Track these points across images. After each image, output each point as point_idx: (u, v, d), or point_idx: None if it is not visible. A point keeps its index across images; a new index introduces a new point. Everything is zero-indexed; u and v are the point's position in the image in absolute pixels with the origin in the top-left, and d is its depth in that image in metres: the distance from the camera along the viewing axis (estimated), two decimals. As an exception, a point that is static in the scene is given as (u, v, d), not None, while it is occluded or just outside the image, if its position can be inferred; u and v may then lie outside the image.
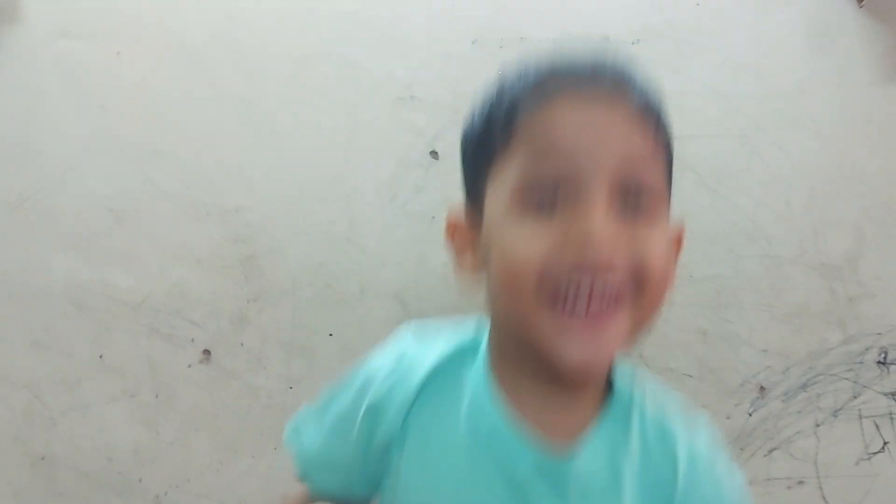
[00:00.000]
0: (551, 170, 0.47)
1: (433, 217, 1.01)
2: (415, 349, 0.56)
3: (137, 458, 1.00)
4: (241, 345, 1.00)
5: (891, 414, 1.04)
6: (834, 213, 1.03)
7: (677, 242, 0.55)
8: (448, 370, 0.55)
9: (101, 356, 1.00)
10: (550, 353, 0.47)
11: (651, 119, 0.50)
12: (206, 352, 1.00)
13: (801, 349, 1.03)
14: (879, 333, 1.03)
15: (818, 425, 1.03)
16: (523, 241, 0.47)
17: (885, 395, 1.04)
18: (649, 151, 0.49)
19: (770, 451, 1.03)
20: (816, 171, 1.03)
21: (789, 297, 1.03)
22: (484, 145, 0.52)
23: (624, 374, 0.57)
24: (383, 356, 0.57)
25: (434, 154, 1.01)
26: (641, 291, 0.48)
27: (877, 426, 1.04)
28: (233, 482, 1.01)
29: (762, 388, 1.03)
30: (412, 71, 1.01)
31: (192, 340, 1.00)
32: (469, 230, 0.54)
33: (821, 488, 1.04)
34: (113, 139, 0.99)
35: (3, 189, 0.99)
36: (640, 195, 0.48)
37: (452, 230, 0.57)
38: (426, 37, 1.01)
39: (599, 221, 0.45)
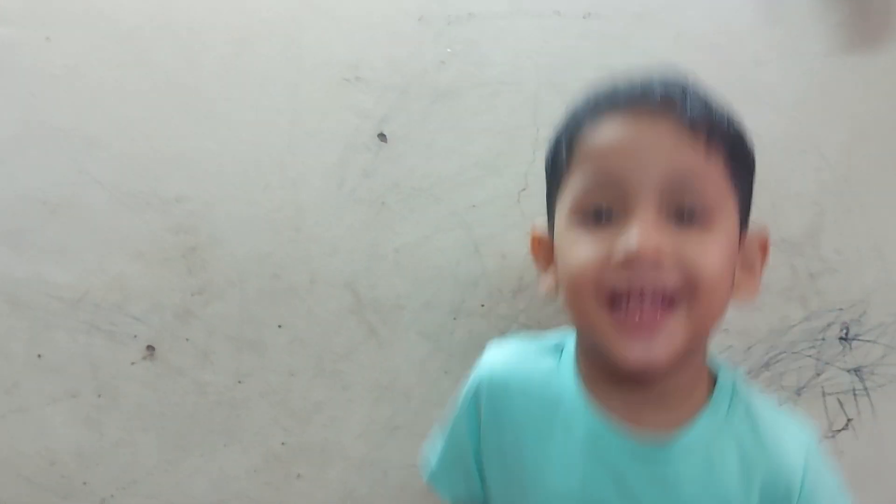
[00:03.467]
0: (602, 187, 0.52)
1: (383, 202, 0.98)
2: (495, 352, 0.63)
3: (81, 460, 0.96)
4: (187, 340, 0.97)
5: (854, 390, 1.03)
6: (792, 187, 1.01)
7: (762, 249, 0.59)
8: (529, 365, 0.59)
9: (39, 355, 0.96)
10: (610, 353, 0.52)
11: (703, 130, 0.52)
12: (150, 348, 0.96)
13: (762, 327, 1.02)
14: (841, 309, 1.02)
15: (781, 404, 1.02)
16: (581, 251, 0.53)
17: (848, 371, 1.03)
18: (700, 163, 0.51)
19: (733, 432, 1.02)
20: (773, 144, 1.01)
21: (749, 275, 1.01)
22: (554, 166, 0.58)
23: (727, 374, 0.60)
24: (482, 365, 0.64)
25: (382, 137, 0.98)
26: (695, 296, 0.51)
27: (840, 403, 1.03)
28: (182, 482, 0.97)
29: (724, 368, 1.02)
30: (357, 50, 0.97)
31: (135, 336, 0.96)
32: (549, 247, 0.61)
33: (785, 467, 1.03)
34: (44, 128, 0.95)
35: (-71, 183, 0.95)
36: (693, 207, 0.51)
37: (537, 246, 0.64)
38: (370, 14, 0.97)
39: (643, 227, 0.49)
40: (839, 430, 1.02)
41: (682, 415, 0.57)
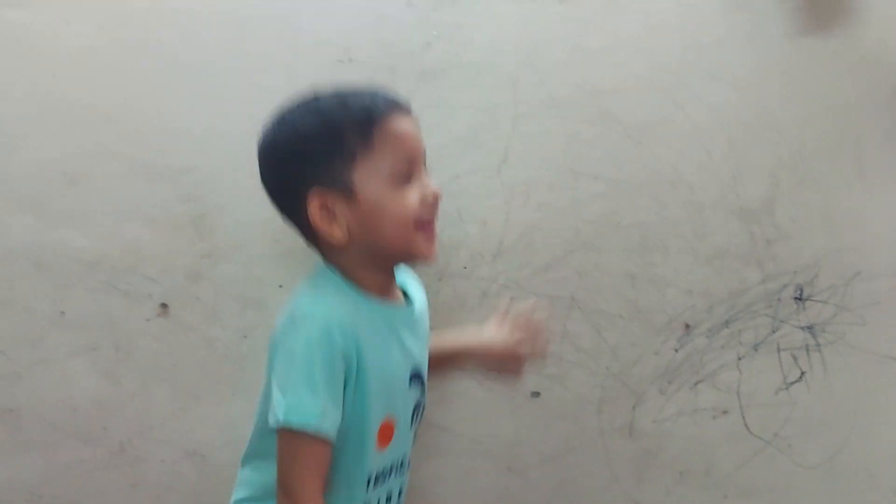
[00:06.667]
0: (406, 162, 0.80)
1: (375, 173, 1.06)
2: (326, 309, 0.79)
3: (101, 408, 1.06)
4: (197, 298, 1.06)
5: (807, 346, 1.12)
6: (751, 160, 1.10)
7: None
8: (339, 303, 0.81)
9: (62, 312, 1.05)
10: (420, 256, 0.83)
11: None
12: (164, 306, 1.06)
13: (722, 289, 1.11)
14: (795, 272, 1.11)
15: (740, 359, 1.11)
16: (404, 202, 0.80)
17: (802, 328, 1.11)
18: None
19: (696, 384, 1.11)
20: (734, 121, 1.09)
21: (711, 241, 1.10)
22: (340, 148, 0.79)
23: None
24: (314, 324, 0.77)
25: (373, 113, 1.06)
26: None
27: (794, 358, 1.12)
28: (193, 428, 1.07)
29: (687, 326, 1.10)
30: (349, 33, 1.05)
31: (150, 295, 1.05)
32: (339, 203, 0.80)
33: (743, 417, 1.12)
34: (64, 104, 1.03)
35: (-40, 156, 1.04)
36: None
37: (321, 209, 0.80)
38: (362, 0, 1.06)
39: (434, 184, 0.83)
40: (793, 383, 1.12)
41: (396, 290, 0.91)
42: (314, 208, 0.80)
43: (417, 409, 0.90)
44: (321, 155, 0.79)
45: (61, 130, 1.04)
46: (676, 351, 1.10)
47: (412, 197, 0.80)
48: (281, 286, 1.06)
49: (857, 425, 1.12)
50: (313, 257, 1.06)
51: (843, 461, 1.12)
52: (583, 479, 1.10)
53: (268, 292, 1.06)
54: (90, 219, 1.04)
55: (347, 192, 0.79)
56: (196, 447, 1.07)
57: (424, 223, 0.82)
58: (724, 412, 1.11)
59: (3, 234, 1.04)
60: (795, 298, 1.11)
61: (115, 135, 1.04)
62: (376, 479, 0.85)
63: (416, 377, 0.88)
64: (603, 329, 1.10)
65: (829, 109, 1.09)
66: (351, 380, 0.78)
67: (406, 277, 0.95)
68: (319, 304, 0.80)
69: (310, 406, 0.74)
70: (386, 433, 0.84)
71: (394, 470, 0.87)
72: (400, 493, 0.90)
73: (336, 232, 0.80)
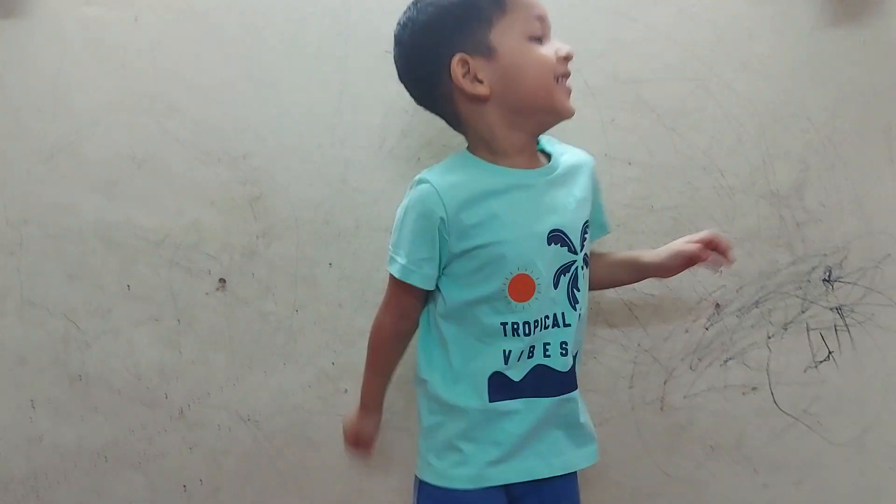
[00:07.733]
0: (537, 22, 0.89)
1: (418, 158, 1.13)
2: (434, 176, 0.89)
3: (163, 375, 1.13)
4: (252, 275, 1.13)
5: (835, 326, 1.14)
6: (781, 146, 1.13)
7: None
8: (461, 173, 0.90)
9: (128, 286, 1.13)
10: (560, 107, 0.91)
11: None
12: (222, 281, 1.13)
13: (753, 270, 1.14)
14: (825, 254, 1.14)
15: (770, 337, 1.15)
16: (542, 56, 0.89)
17: (831, 309, 1.14)
18: None
19: (726, 361, 1.15)
20: (764, 109, 1.13)
21: (742, 224, 1.13)
22: (478, 15, 0.88)
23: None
24: (416, 191, 0.89)
25: (418, 101, 1.12)
26: None
27: (823, 337, 1.15)
28: (247, 395, 1.14)
29: (718, 305, 1.14)
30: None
31: (209, 271, 1.13)
32: (480, 64, 0.88)
33: (773, 394, 1.15)
34: (132, 95, 1.12)
35: (38, 141, 1.12)
36: None
37: (465, 68, 0.88)
38: (408, -4, 1.13)
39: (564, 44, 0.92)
40: (822, 361, 1.14)
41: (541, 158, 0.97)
42: (457, 72, 0.88)
43: (569, 270, 0.93)
44: (461, 23, 0.88)
45: (130, 118, 1.12)
46: (707, 329, 1.14)
47: (548, 51, 0.89)
48: (331, 264, 1.12)
49: (887, 404, 1.14)
50: (364, 239, 1.14)
51: (873, 438, 1.14)
52: (615, 450, 1.14)
53: (318, 270, 1.13)
54: (155, 200, 1.12)
55: (487, 52, 0.88)
56: (250, 413, 1.14)
57: (560, 76, 0.90)
58: (754, 389, 1.15)
59: (76, 213, 1.12)
60: (824, 280, 1.14)
61: (179, 123, 1.12)
62: (514, 329, 0.90)
63: (556, 237, 0.91)
64: (635, 307, 1.14)
65: (858, 97, 1.12)
66: (461, 237, 0.88)
67: (558, 146, 0.99)
68: (430, 173, 0.90)
69: (396, 259, 0.89)
70: (521, 288, 0.90)
71: (539, 325, 0.91)
72: (563, 346, 0.93)
73: (479, 88, 0.88)
